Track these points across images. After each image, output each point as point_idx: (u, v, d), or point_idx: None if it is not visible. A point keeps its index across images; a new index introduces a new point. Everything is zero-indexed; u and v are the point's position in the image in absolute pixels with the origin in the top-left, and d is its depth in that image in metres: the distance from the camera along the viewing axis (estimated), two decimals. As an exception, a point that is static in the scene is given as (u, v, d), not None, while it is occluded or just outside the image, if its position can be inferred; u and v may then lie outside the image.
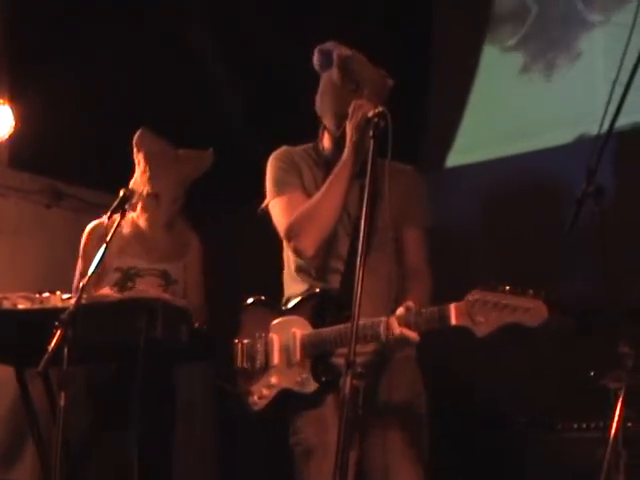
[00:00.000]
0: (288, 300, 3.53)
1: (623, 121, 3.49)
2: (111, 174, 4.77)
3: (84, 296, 3.57)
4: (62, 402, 3.43)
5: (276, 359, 3.41)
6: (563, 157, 4.55)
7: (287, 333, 3.40)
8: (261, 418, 3.50)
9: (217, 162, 4.76)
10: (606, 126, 3.37)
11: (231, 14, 5.71)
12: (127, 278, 4.48)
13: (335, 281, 3.44)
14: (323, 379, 3.32)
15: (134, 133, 4.63)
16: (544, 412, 4.12)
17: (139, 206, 4.56)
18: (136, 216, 4.58)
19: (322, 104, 3.59)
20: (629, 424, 3.20)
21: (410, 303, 3.18)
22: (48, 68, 5.27)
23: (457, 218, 4.63)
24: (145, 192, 4.53)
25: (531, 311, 2.91)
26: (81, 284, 3.60)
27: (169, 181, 4.56)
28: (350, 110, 3.35)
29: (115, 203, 3.83)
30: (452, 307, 3.04)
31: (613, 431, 3.09)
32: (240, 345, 3.52)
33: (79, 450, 4.32)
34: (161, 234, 4.59)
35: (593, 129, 3.75)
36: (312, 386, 3.33)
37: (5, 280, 5.04)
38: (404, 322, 3.14)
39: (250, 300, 3.61)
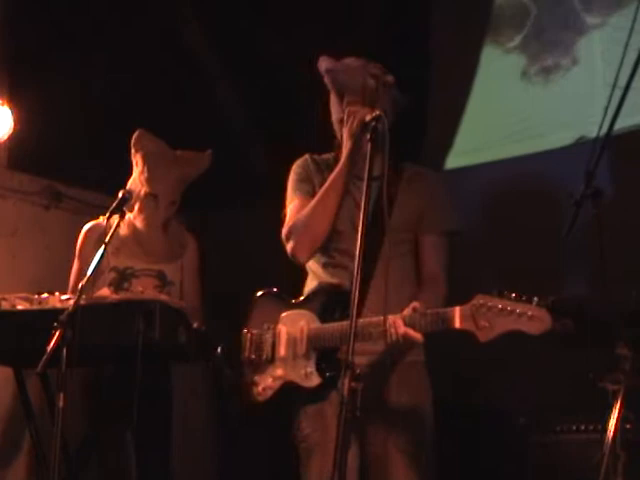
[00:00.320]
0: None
1: (622, 124, 3.49)
2: (110, 176, 4.78)
3: (83, 297, 3.58)
4: (61, 403, 3.44)
5: (283, 351, 3.45)
6: (562, 159, 4.55)
7: (295, 326, 3.45)
8: (261, 414, 3.54)
9: (217, 162, 4.78)
10: (605, 129, 3.37)
11: (231, 15, 5.71)
12: (123, 278, 4.49)
13: (344, 278, 3.46)
14: (327, 374, 3.35)
15: (133, 134, 4.63)
16: (543, 414, 4.12)
17: (136, 207, 4.55)
18: (133, 217, 4.57)
19: (333, 116, 3.66)
20: (627, 426, 3.19)
21: (416, 304, 3.21)
22: (47, 69, 5.28)
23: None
24: (143, 193, 4.53)
25: (535, 319, 2.94)
26: (80, 285, 3.60)
27: (167, 182, 4.56)
28: (345, 117, 3.43)
29: (114, 204, 3.84)
30: (457, 310, 3.08)
31: (611, 433, 3.08)
32: (249, 335, 3.56)
33: (77, 451, 4.33)
34: (158, 235, 4.58)
35: (592, 132, 3.76)
36: (316, 381, 3.37)
37: (4, 281, 5.04)
38: (409, 322, 3.17)
39: (262, 292, 3.65)
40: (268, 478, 5.09)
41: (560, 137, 4.78)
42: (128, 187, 4.43)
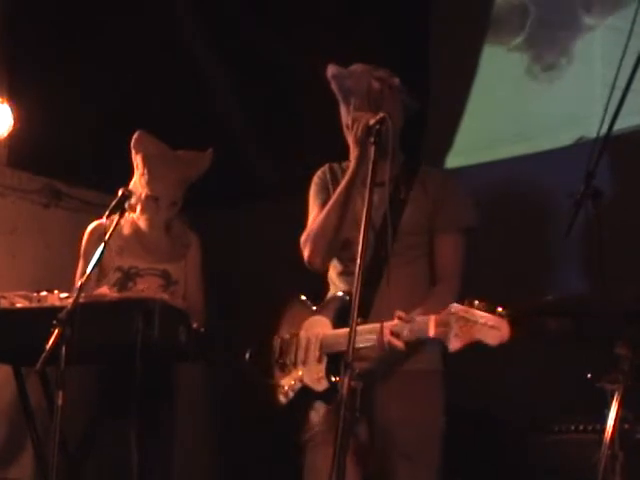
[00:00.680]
0: None
1: (621, 124, 3.50)
2: (110, 174, 4.79)
3: (82, 295, 3.59)
4: (60, 401, 3.45)
5: (302, 356, 3.53)
6: (562, 160, 4.55)
7: (313, 331, 3.53)
8: (283, 412, 3.61)
9: (217, 162, 4.79)
10: (604, 129, 3.38)
11: (231, 15, 5.71)
12: (128, 278, 4.50)
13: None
14: (332, 379, 3.38)
15: (133, 133, 4.63)
16: (541, 414, 4.13)
17: (138, 208, 4.57)
18: (136, 217, 4.59)
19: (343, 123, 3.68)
20: (626, 426, 3.20)
21: (400, 313, 3.21)
22: (47, 67, 5.28)
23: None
24: (144, 195, 4.54)
25: (494, 330, 2.94)
26: (79, 283, 3.61)
27: (168, 183, 4.56)
28: (349, 124, 3.46)
29: (113, 203, 3.85)
30: (432, 319, 3.10)
31: (610, 433, 3.09)
32: (279, 340, 3.65)
33: (77, 449, 4.33)
34: (160, 235, 4.60)
35: (591, 132, 3.77)
36: (324, 385, 3.42)
37: (3, 279, 5.04)
38: (395, 331, 3.20)
39: (293, 298, 3.73)
40: (268, 475, 5.09)
41: (560, 137, 4.78)
42: (130, 189, 4.44)
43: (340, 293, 3.55)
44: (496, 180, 4.82)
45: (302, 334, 3.55)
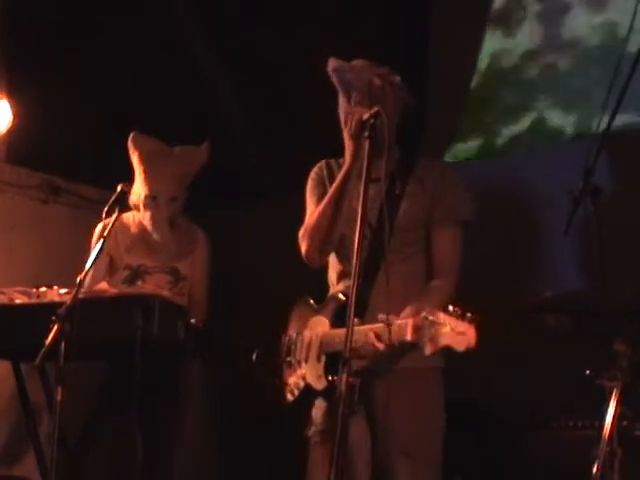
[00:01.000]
0: None
1: (620, 121, 3.50)
2: (108, 170, 4.79)
3: (81, 291, 3.59)
4: (59, 397, 3.44)
5: (304, 355, 3.53)
6: (560, 156, 4.55)
7: (314, 331, 3.53)
8: (289, 410, 3.63)
9: (217, 162, 4.79)
10: (604, 126, 3.38)
11: (230, 15, 5.71)
12: (136, 275, 4.55)
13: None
14: (329, 378, 3.38)
15: (132, 129, 4.65)
16: (540, 411, 4.12)
17: (141, 208, 4.61)
18: (141, 216, 4.63)
19: (341, 119, 3.66)
20: (624, 422, 3.20)
21: (382, 316, 3.17)
22: (46, 63, 5.28)
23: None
24: (143, 195, 4.58)
25: (461, 335, 2.92)
26: (78, 279, 3.61)
27: (165, 179, 4.60)
28: (343, 120, 3.45)
29: (112, 199, 3.85)
30: (410, 323, 3.08)
31: (608, 429, 3.09)
32: (287, 339, 3.65)
33: (76, 446, 4.33)
34: (165, 233, 4.64)
35: (591, 128, 3.78)
36: (323, 383, 3.42)
37: (2, 275, 5.04)
38: (377, 333, 3.18)
39: (299, 298, 3.73)
40: (268, 474, 5.09)
41: (559, 133, 4.79)
42: (133, 190, 4.50)
43: (338, 293, 3.54)
44: (495, 177, 4.82)
45: (306, 333, 3.56)
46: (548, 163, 4.59)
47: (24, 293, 4.18)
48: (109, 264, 4.65)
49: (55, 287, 4.12)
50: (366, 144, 3.18)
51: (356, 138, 3.37)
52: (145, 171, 4.59)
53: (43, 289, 4.14)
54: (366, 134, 3.20)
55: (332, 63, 3.63)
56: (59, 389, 3.45)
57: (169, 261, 4.63)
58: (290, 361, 3.60)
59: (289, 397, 3.58)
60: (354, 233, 3.42)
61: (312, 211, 3.63)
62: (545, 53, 4.99)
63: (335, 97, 3.68)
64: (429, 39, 5.34)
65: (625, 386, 3.15)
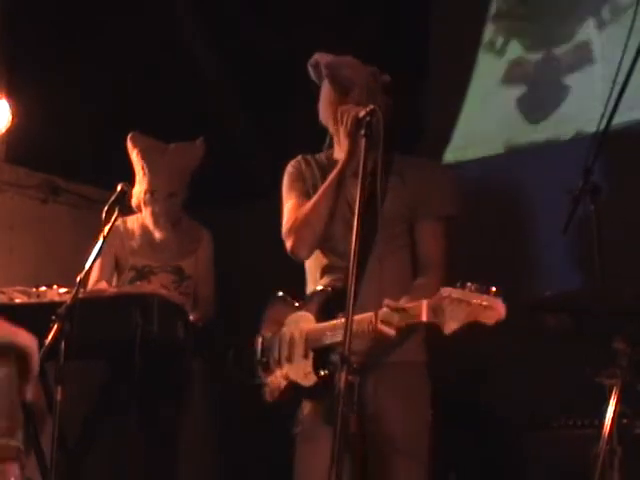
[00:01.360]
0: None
1: (620, 119, 3.50)
2: (108, 169, 4.80)
3: (81, 290, 3.59)
4: (59, 396, 3.44)
5: (286, 353, 3.51)
6: (560, 155, 4.55)
7: (296, 328, 3.51)
8: (271, 410, 3.61)
9: (217, 161, 4.80)
10: (603, 124, 3.38)
11: (230, 15, 5.71)
12: (141, 276, 4.60)
13: (340, 279, 3.49)
14: (321, 373, 3.37)
15: (132, 129, 4.67)
16: (540, 410, 4.12)
17: (142, 207, 4.64)
18: (142, 216, 4.65)
19: (323, 114, 3.69)
20: (624, 421, 3.20)
21: (388, 301, 3.20)
22: (46, 62, 5.28)
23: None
24: (143, 191, 4.61)
25: (489, 309, 2.93)
26: (78, 278, 3.61)
27: (162, 175, 4.66)
28: (338, 117, 3.44)
29: (112, 198, 3.85)
30: (424, 304, 3.08)
31: (608, 428, 3.09)
32: (261, 338, 3.64)
33: (76, 446, 4.33)
34: (168, 231, 4.69)
35: (590, 127, 3.77)
36: (312, 380, 3.40)
37: (1, 275, 5.03)
38: (383, 319, 3.17)
39: (274, 296, 3.72)
40: (267, 473, 5.08)
41: (558, 132, 4.79)
42: (134, 191, 4.53)
43: (322, 287, 3.53)
44: (494, 176, 4.82)
45: (285, 331, 3.54)
46: (547, 162, 4.59)
47: (24, 293, 4.18)
48: (116, 265, 4.68)
49: (55, 287, 4.13)
50: (362, 142, 3.18)
51: (352, 135, 3.36)
52: (143, 167, 4.66)
53: (43, 289, 4.14)
54: (362, 132, 3.20)
55: (324, 58, 3.63)
56: (59, 389, 3.44)
57: (172, 260, 4.67)
58: (266, 361, 3.57)
59: (268, 398, 3.56)
60: (340, 227, 3.45)
61: (293, 205, 3.60)
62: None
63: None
64: (429, 39, 5.34)
65: (625, 385, 3.15)
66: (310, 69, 3.72)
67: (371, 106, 3.25)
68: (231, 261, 5.24)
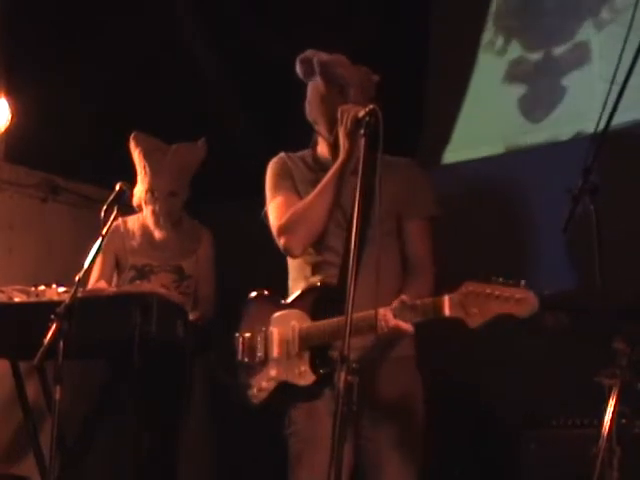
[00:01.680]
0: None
1: (619, 119, 3.49)
2: (108, 169, 4.79)
3: (80, 290, 3.59)
4: (57, 396, 3.44)
5: (275, 352, 3.45)
6: (560, 155, 4.56)
7: (287, 326, 3.45)
8: (258, 412, 3.53)
9: (217, 161, 4.80)
10: (603, 124, 3.38)
11: (230, 15, 5.71)
12: (142, 275, 4.61)
13: (332, 275, 3.47)
14: (321, 371, 3.35)
15: (131, 128, 4.69)
16: (539, 409, 4.13)
17: (143, 207, 4.65)
18: (143, 216, 4.66)
19: (312, 112, 3.66)
20: (623, 420, 3.19)
21: (404, 297, 3.21)
22: (45, 61, 5.27)
23: (452, 214, 4.64)
24: (144, 191, 4.62)
25: (522, 302, 2.94)
26: (77, 277, 3.61)
27: (163, 175, 4.67)
28: (338, 116, 3.41)
29: (111, 197, 3.84)
30: (446, 299, 3.08)
31: (607, 428, 3.09)
32: (241, 339, 3.56)
33: (75, 445, 4.33)
34: (168, 230, 4.70)
35: (590, 127, 3.77)
36: (310, 379, 3.37)
37: (1, 273, 5.03)
38: (399, 314, 3.18)
39: (252, 294, 3.65)
40: (265, 472, 5.09)
41: (558, 132, 4.79)
42: (135, 191, 4.55)
43: (315, 284, 3.48)
44: (493, 175, 4.83)
45: (273, 330, 3.48)
46: (547, 162, 4.60)
47: (23, 292, 4.18)
48: (116, 265, 4.69)
49: (54, 286, 4.13)
50: (362, 141, 3.17)
51: (351, 135, 3.36)
52: (145, 167, 4.67)
53: (42, 288, 4.14)
54: (362, 132, 3.18)
55: (318, 55, 3.60)
56: (58, 388, 3.43)
57: (172, 259, 4.68)
58: (248, 362, 3.50)
59: (253, 400, 3.49)
60: (330, 226, 3.43)
61: (282, 202, 3.55)
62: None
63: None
64: (429, 39, 5.34)
65: (624, 384, 3.15)
66: (299, 64, 3.66)
67: (371, 106, 3.24)
68: (231, 260, 5.24)
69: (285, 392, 3.43)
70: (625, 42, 3.43)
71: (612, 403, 3.12)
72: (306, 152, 3.71)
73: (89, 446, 4.42)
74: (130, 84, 5.46)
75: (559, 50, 4.87)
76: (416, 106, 5.18)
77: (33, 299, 4.13)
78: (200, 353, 4.36)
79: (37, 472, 4.61)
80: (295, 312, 3.46)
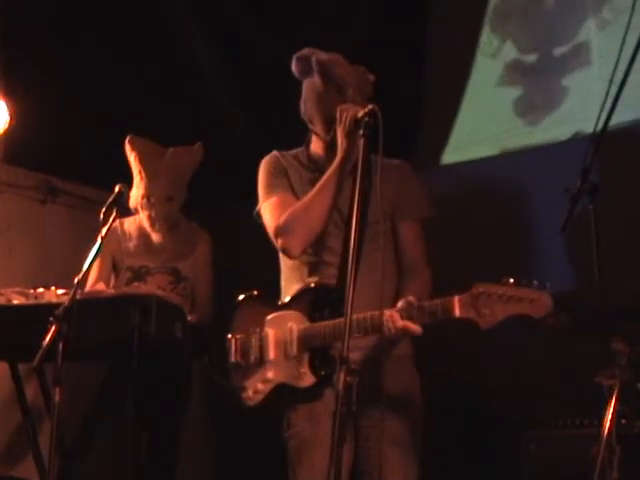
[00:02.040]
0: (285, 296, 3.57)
1: (618, 119, 3.49)
2: (106, 170, 4.80)
3: (79, 292, 3.58)
4: (57, 398, 3.44)
5: (272, 354, 3.44)
6: (558, 155, 4.56)
7: (283, 328, 3.43)
8: (255, 414, 3.52)
9: (217, 161, 4.79)
10: (601, 124, 3.37)
11: (230, 14, 5.71)
12: (138, 277, 4.62)
13: (330, 275, 3.47)
14: (322, 372, 3.34)
15: (130, 129, 4.68)
16: (539, 409, 4.12)
17: (140, 210, 4.66)
18: (140, 218, 4.68)
19: (308, 111, 3.66)
20: (623, 420, 3.19)
21: (411, 297, 3.21)
22: (44, 63, 5.27)
23: (451, 214, 4.65)
24: (140, 195, 4.63)
25: (536, 302, 2.95)
26: (76, 279, 3.60)
27: (159, 179, 4.67)
28: (337, 116, 3.40)
29: (110, 199, 3.84)
30: (456, 300, 3.07)
31: (607, 428, 3.08)
32: (234, 341, 3.54)
33: (75, 446, 4.33)
34: (165, 234, 4.71)
35: (588, 127, 3.77)
36: (310, 380, 3.36)
37: (0, 275, 5.05)
38: (406, 315, 3.17)
39: (244, 296, 3.63)
40: (264, 472, 5.09)
41: (556, 133, 4.79)
42: (131, 193, 4.55)
43: (311, 285, 3.47)
44: (492, 175, 4.83)
45: (268, 331, 3.46)
46: (546, 162, 4.60)
47: (22, 294, 4.18)
48: (113, 266, 4.70)
49: (53, 288, 4.13)
50: (361, 142, 3.16)
51: (350, 135, 3.35)
52: (141, 172, 4.67)
53: (41, 290, 4.14)
54: (361, 132, 3.18)
55: (316, 54, 3.59)
56: (57, 390, 3.43)
57: (169, 262, 4.68)
58: (242, 364, 3.48)
59: (248, 402, 3.47)
60: (328, 226, 3.43)
61: (278, 201, 3.55)
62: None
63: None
64: (427, 40, 5.34)
65: (624, 384, 3.14)
66: (295, 62, 3.65)
67: (370, 106, 3.24)
68: (230, 261, 5.24)
69: (283, 394, 3.42)
70: (623, 43, 3.43)
71: (612, 403, 3.12)
72: (299, 151, 3.70)
73: (88, 447, 4.42)
74: (129, 85, 5.46)
75: (557, 51, 4.87)
76: (415, 107, 5.18)
77: (32, 301, 4.13)
78: (198, 355, 4.35)
79: (36, 474, 4.62)
80: (291, 313, 3.45)
